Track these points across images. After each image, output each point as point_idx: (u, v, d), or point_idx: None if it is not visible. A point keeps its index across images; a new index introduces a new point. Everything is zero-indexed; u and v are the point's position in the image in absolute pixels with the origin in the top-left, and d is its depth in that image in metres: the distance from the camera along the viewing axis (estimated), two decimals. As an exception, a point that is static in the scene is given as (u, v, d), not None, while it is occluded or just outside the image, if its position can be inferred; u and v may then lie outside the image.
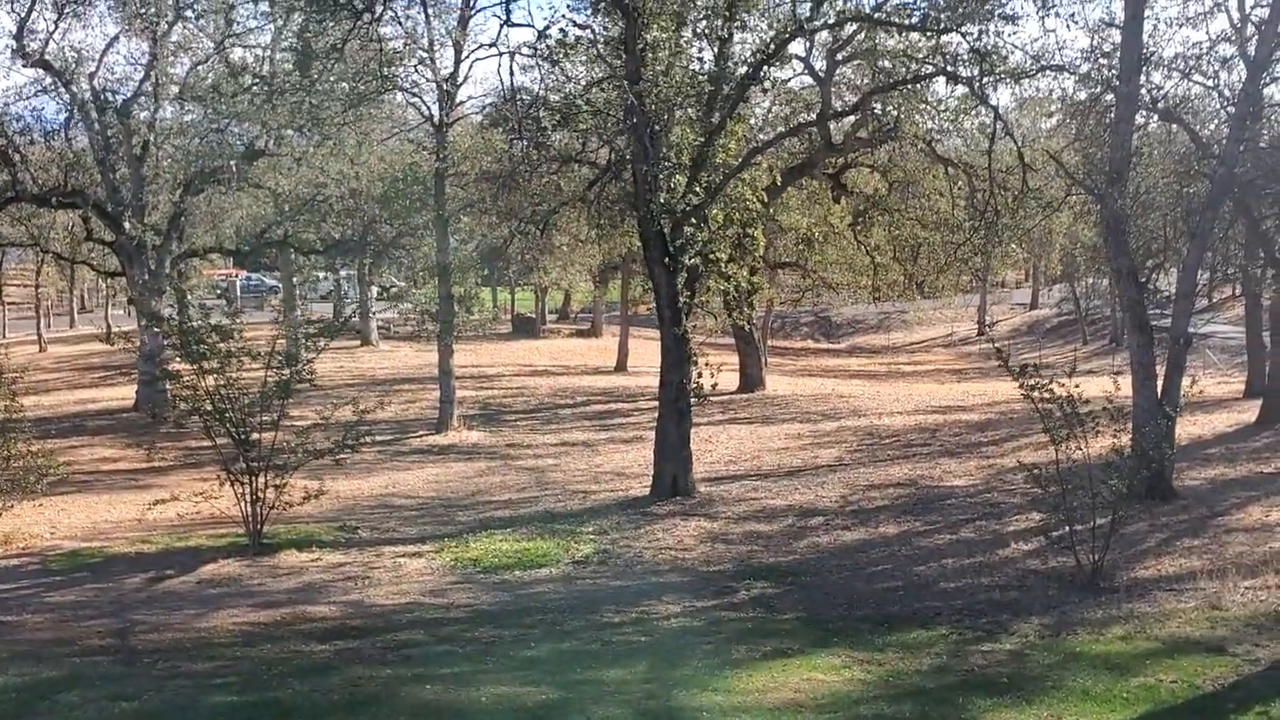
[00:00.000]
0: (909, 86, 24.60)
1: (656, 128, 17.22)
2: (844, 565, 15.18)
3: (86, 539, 16.96)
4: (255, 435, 15.66)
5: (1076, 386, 13.70)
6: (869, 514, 18.05)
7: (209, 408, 15.53)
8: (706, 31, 17.84)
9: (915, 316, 70.71)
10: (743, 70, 17.70)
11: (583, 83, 19.70)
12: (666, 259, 18.64)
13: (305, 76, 13.55)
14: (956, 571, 14.67)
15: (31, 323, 53.94)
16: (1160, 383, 17.75)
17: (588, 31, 17.13)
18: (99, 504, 20.17)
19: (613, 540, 16.65)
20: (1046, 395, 13.69)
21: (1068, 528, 13.75)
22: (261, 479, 15.69)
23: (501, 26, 25.49)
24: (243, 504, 15.80)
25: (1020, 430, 24.93)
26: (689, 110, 18.53)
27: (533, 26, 46.80)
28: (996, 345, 15.31)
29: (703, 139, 17.68)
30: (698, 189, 17.85)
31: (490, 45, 22.95)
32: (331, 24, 11.78)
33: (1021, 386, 13.88)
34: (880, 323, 73.29)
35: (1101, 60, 20.59)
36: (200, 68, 32.01)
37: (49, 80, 31.39)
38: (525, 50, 18.38)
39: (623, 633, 12.01)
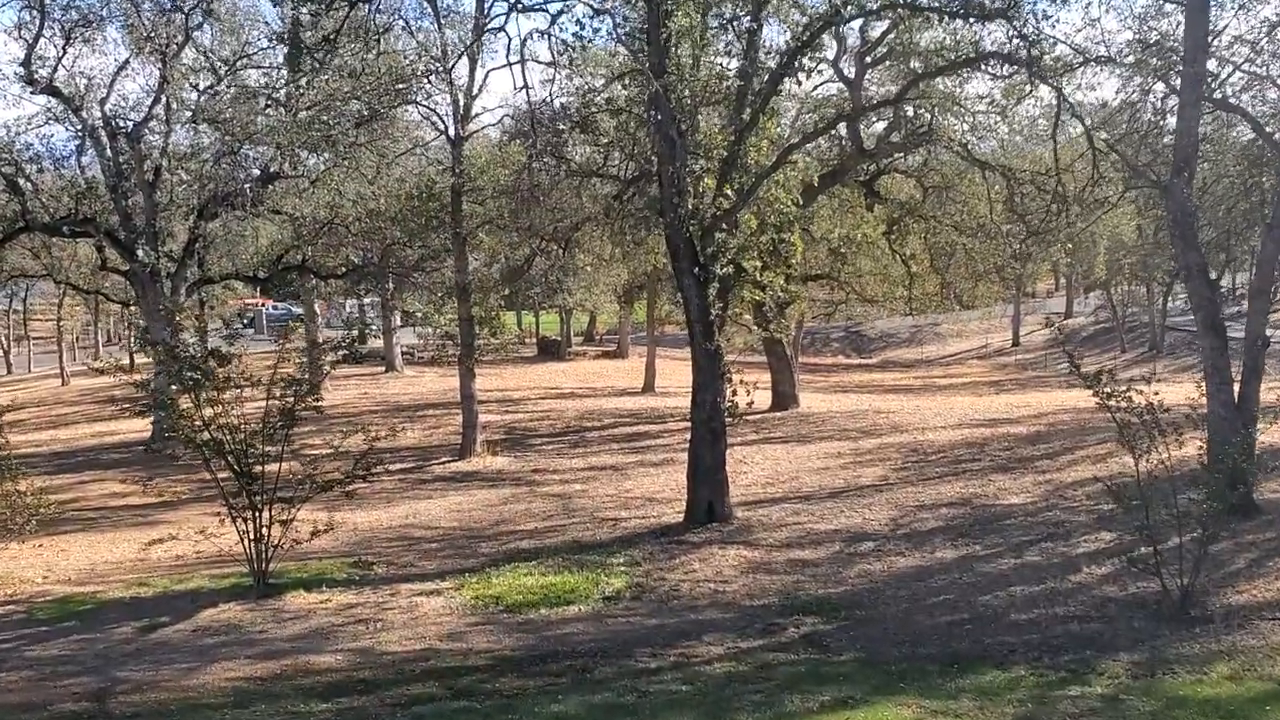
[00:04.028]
0: (947, 83, 23.30)
1: (683, 126, 15.99)
2: (901, 596, 13.85)
3: (81, 583, 15.77)
4: (258, 467, 14.46)
5: (1156, 394, 12.37)
6: (923, 537, 16.69)
7: (206, 438, 14.35)
8: (733, 23, 16.58)
9: (949, 329, 69.23)
10: (774, 62, 16.43)
11: (600, 83, 18.50)
12: (696, 269, 17.36)
13: (298, 72, 12.48)
14: (1026, 601, 13.33)
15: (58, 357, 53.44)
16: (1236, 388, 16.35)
17: (605, 19, 15.92)
18: (101, 543, 19.05)
19: (646, 572, 15.38)
20: (1124, 404, 12.36)
21: (1152, 548, 12.38)
22: (266, 514, 14.50)
23: (510, 11, 23.43)
24: (245, 542, 14.62)
25: (1075, 443, 23.50)
26: (718, 110, 17.33)
27: (546, 11, 44.68)
28: (1068, 350, 13.94)
29: (733, 137, 16.41)
30: (729, 192, 16.58)
31: (499, 30, 21.27)
32: (323, 13, 10.74)
33: (1096, 395, 12.57)
34: (912, 336, 71.77)
35: (1149, 49, 19.31)
36: (212, 89, 31.16)
37: (59, 107, 30.71)
38: (537, 35, 17.06)
39: (660, 680, 10.74)
